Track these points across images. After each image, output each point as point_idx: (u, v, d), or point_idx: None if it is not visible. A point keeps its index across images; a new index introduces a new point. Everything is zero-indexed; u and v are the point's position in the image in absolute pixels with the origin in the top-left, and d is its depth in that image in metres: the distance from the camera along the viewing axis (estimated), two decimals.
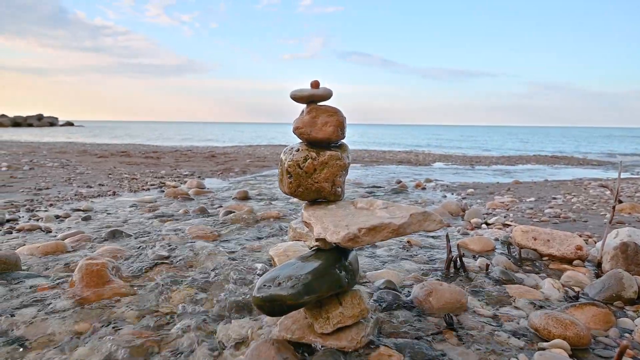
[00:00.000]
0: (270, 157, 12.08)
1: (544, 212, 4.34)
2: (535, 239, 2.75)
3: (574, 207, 4.65)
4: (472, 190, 6.25)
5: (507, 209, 4.57)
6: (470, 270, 2.43)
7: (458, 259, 2.40)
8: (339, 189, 1.51)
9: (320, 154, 1.46)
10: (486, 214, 4.29)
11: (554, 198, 5.36)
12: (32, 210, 4.11)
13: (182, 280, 2.18)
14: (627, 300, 1.93)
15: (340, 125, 1.47)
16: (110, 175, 7.04)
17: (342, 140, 1.56)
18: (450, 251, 2.43)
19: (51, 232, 3.25)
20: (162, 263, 2.48)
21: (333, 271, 1.41)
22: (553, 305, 1.94)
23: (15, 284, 2.08)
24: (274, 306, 1.34)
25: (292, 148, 1.51)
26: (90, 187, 5.78)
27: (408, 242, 3.06)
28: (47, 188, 5.53)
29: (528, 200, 5.24)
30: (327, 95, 1.49)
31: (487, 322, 1.76)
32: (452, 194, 5.96)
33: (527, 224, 3.75)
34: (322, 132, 1.45)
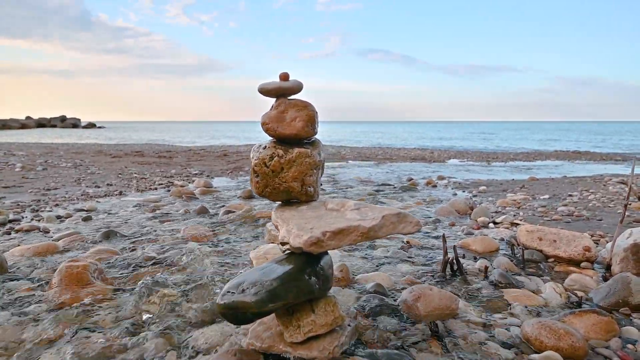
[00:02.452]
0: None
1: (556, 210, 4.13)
2: (540, 239, 2.59)
3: (589, 204, 4.41)
4: (484, 187, 6.05)
5: (518, 207, 4.37)
6: (469, 273, 2.30)
7: (455, 260, 2.27)
8: (311, 189, 1.41)
9: (288, 151, 1.37)
10: (495, 212, 4.12)
11: (570, 195, 5.12)
12: (37, 211, 4.16)
13: (165, 283, 2.12)
14: (635, 306, 1.77)
15: (310, 120, 1.37)
16: (120, 175, 7.11)
17: (315, 137, 1.47)
18: (446, 252, 2.30)
19: (49, 232, 3.27)
20: (150, 265, 2.44)
21: (301, 277, 1.32)
22: (553, 312, 1.80)
23: None
24: (237, 314, 1.26)
25: (259, 145, 1.43)
26: (99, 187, 5.84)
27: (407, 242, 2.94)
28: (56, 188, 5.61)
29: (542, 197, 5.02)
30: (297, 88, 1.39)
31: (477, 330, 1.64)
32: (464, 191, 5.77)
33: (537, 222, 3.57)
34: (290, 127, 1.35)
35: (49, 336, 1.58)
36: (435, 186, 6.24)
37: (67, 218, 3.82)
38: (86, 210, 4.17)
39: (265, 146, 1.40)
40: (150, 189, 5.81)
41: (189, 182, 6.48)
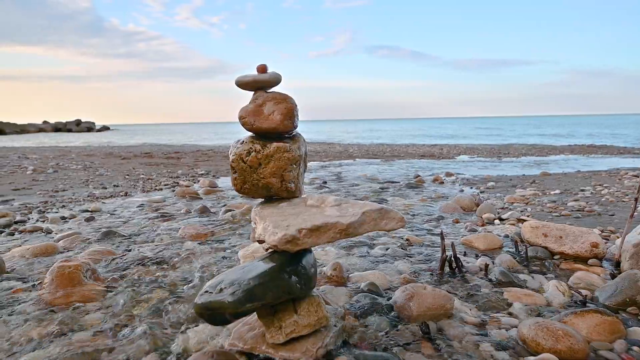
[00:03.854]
0: None
1: (566, 205, 4.00)
2: (545, 236, 2.49)
3: (602, 199, 4.27)
4: (493, 183, 5.92)
5: (527, 203, 4.25)
6: (469, 271, 2.22)
7: (453, 258, 2.19)
8: (292, 185, 1.36)
9: (265, 146, 1.32)
10: (502, 208, 4.01)
11: (582, 190, 4.96)
12: (44, 212, 4.20)
13: (157, 283, 2.10)
14: None
15: (289, 113, 1.32)
16: (127, 177, 7.17)
17: (296, 131, 1.41)
18: (444, 250, 2.23)
19: (51, 233, 3.29)
20: (145, 264, 2.42)
21: (281, 276, 1.27)
22: (554, 312, 1.71)
23: None
24: (215, 315, 1.22)
25: (237, 140, 1.38)
26: (105, 188, 5.89)
27: (407, 240, 2.87)
28: (64, 190, 5.67)
29: (552, 193, 4.88)
30: (274, 80, 1.34)
31: (472, 330, 1.57)
32: (472, 187, 5.66)
33: (546, 218, 3.46)
34: (267, 121, 1.30)
35: (35, 336, 1.57)
36: (442, 183, 6.13)
37: (71, 219, 3.85)
38: (90, 211, 4.20)
39: (243, 141, 1.36)
40: (156, 189, 5.83)
41: (195, 182, 6.49)
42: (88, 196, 5.17)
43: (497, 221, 3.46)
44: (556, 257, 2.43)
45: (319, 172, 7.98)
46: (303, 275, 1.32)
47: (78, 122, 53.33)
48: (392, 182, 6.18)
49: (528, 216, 3.56)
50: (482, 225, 3.35)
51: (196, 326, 1.64)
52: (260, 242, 1.22)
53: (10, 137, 35.15)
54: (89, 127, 52.59)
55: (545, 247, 2.47)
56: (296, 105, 1.35)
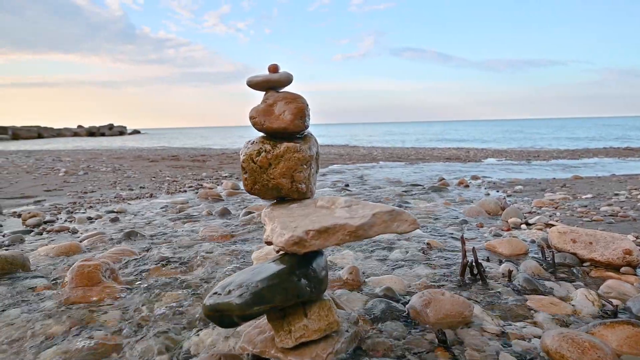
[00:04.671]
0: None
1: (599, 210, 3.80)
2: (574, 241, 2.36)
3: (638, 204, 4.03)
4: (520, 187, 5.72)
5: (556, 207, 4.07)
6: (491, 277, 2.13)
7: (474, 264, 2.11)
8: (302, 186, 1.33)
9: (275, 146, 1.30)
10: (529, 212, 3.85)
11: (616, 194, 4.72)
12: (72, 213, 4.35)
13: (174, 283, 2.12)
14: None
15: (300, 113, 1.30)
16: (153, 179, 7.35)
17: (307, 131, 1.39)
18: (465, 255, 2.14)
19: (77, 233, 3.39)
20: (164, 265, 2.45)
21: (290, 279, 1.24)
22: (582, 322, 1.61)
23: (17, 284, 2.14)
24: (223, 317, 1.20)
25: (249, 141, 1.37)
26: (132, 189, 6.06)
27: (428, 244, 2.79)
28: (93, 191, 5.87)
29: (584, 197, 4.66)
30: (286, 80, 1.32)
31: (492, 340, 1.49)
32: (498, 191, 5.48)
33: (576, 224, 3.30)
34: (278, 121, 1.28)
35: (51, 333, 1.60)
36: (467, 186, 5.97)
37: (96, 219, 3.96)
38: (116, 212, 4.32)
39: (254, 141, 1.35)
40: (180, 191, 5.95)
41: (218, 185, 6.59)
42: (115, 197, 5.33)
43: (523, 226, 3.32)
44: (586, 264, 2.30)
45: (342, 174, 7.94)
46: (313, 278, 1.29)
47: (110, 127, 55.36)
48: (416, 185, 6.07)
49: (557, 221, 3.40)
50: (508, 230, 3.22)
51: (208, 328, 1.63)
52: (269, 243, 1.20)
53: (47, 140, 36.96)
54: (121, 131, 54.53)
55: (574, 254, 2.34)
56: (307, 105, 1.33)
